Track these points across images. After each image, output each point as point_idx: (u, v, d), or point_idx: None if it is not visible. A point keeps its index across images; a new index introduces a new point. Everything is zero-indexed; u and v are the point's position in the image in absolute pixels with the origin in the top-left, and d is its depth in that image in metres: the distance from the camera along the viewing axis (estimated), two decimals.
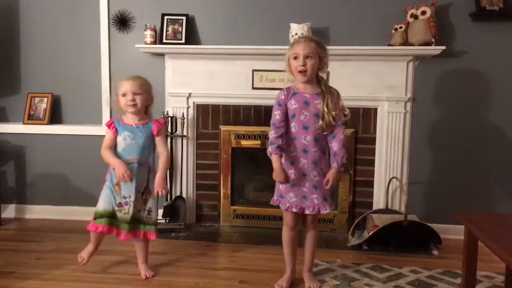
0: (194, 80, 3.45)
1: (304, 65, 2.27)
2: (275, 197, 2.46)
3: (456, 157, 3.35)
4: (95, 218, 2.50)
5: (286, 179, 2.30)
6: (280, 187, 2.41)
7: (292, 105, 2.32)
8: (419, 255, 2.98)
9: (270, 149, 2.31)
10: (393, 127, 3.33)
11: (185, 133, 3.47)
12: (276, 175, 2.30)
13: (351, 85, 3.29)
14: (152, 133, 2.53)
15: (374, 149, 3.39)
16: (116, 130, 2.51)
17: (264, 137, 3.43)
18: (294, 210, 2.37)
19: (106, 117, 3.53)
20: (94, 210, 2.52)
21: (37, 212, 3.70)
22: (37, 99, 3.64)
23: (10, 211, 3.71)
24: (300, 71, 2.29)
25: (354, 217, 3.39)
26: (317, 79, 2.37)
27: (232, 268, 2.75)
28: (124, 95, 2.48)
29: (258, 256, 2.94)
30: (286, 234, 2.48)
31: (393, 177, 3.29)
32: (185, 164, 3.52)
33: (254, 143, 3.47)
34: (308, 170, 2.35)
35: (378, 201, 3.39)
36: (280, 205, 2.42)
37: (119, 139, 2.50)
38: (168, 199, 3.48)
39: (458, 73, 3.29)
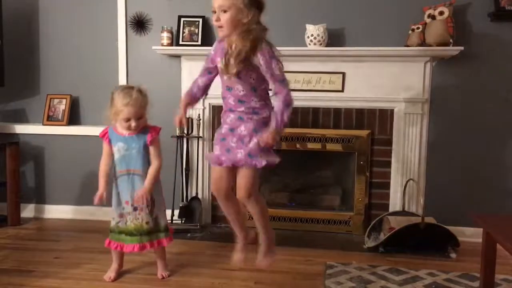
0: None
1: (218, 19, 2.07)
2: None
3: (474, 158, 3.31)
4: (110, 231, 2.52)
5: (184, 112, 2.34)
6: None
7: (218, 62, 2.21)
8: (436, 257, 2.95)
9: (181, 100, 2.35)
10: (410, 129, 3.30)
11: (201, 134, 3.49)
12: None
13: (367, 86, 3.28)
14: (146, 142, 2.46)
15: (390, 151, 3.36)
16: (110, 141, 2.46)
17: (280, 138, 3.42)
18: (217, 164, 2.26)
19: None
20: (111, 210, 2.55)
21: (55, 212, 3.75)
22: (56, 101, 3.69)
23: (29, 210, 3.78)
24: (217, 27, 2.10)
25: (370, 219, 3.37)
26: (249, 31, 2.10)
27: (247, 269, 2.74)
28: (127, 120, 2.38)
29: None
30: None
31: (410, 179, 3.26)
32: (200, 165, 3.54)
33: None
34: (236, 126, 2.23)
35: (395, 203, 3.37)
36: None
37: (114, 149, 2.46)
38: (184, 200, 3.51)
39: (476, 74, 3.25)
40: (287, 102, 2.15)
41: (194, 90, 2.37)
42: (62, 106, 3.68)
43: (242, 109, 2.22)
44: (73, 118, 3.70)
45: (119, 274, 2.59)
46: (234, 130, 2.23)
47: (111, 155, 2.48)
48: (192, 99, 2.37)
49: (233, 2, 2.02)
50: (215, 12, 2.09)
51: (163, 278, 2.57)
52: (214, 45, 2.27)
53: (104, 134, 2.48)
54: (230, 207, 2.34)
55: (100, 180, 2.46)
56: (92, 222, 3.53)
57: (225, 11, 2.03)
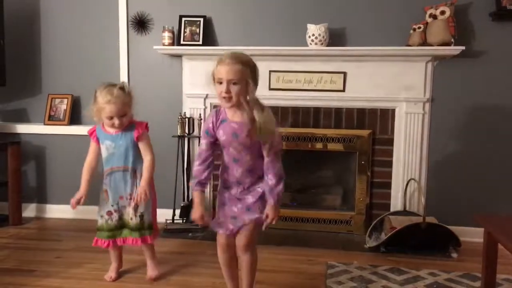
0: (211, 81, 3.45)
1: (228, 91, 2.00)
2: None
3: (475, 158, 3.31)
4: (97, 230, 2.52)
5: (202, 219, 2.11)
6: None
7: (221, 136, 2.10)
8: (438, 257, 2.95)
9: (191, 183, 2.18)
10: (411, 128, 3.30)
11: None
12: (193, 212, 2.13)
13: (368, 85, 3.28)
14: (134, 138, 2.43)
15: (391, 150, 3.36)
16: (98, 139, 2.46)
17: (282, 137, 3.43)
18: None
19: None
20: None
21: (57, 211, 3.76)
22: (57, 100, 3.70)
23: (31, 210, 3.79)
24: (224, 97, 2.02)
25: (371, 218, 3.37)
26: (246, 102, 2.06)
27: None
28: (110, 118, 2.36)
29: (273, 257, 2.93)
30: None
31: (411, 179, 3.26)
32: None
33: None
34: (242, 196, 2.15)
35: (396, 203, 3.37)
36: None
37: (102, 148, 2.45)
38: (185, 200, 3.51)
39: (478, 74, 3.25)
40: (281, 176, 2.09)
41: (202, 178, 2.15)
42: (63, 106, 3.68)
43: (248, 179, 2.14)
44: (74, 117, 3.70)
45: (120, 274, 2.60)
46: (241, 200, 2.16)
47: (98, 153, 2.49)
48: (204, 188, 2.20)
49: (244, 75, 2.02)
50: (221, 83, 2.02)
51: (152, 279, 2.53)
52: (211, 119, 2.13)
53: (92, 132, 2.49)
54: (233, 268, 2.28)
55: (83, 180, 2.47)
56: (93, 222, 3.48)
57: (235, 83, 2.01)
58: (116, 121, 2.36)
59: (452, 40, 3.10)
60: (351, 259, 2.90)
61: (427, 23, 3.16)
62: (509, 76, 3.23)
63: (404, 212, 3.24)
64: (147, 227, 2.52)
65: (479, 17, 3.21)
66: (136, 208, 2.47)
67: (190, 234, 3.33)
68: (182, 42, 3.45)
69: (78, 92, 3.70)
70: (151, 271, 2.57)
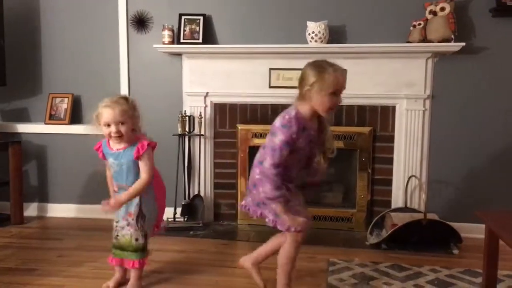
0: (211, 80, 3.47)
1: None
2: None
3: (476, 154, 3.31)
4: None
5: (304, 222, 2.12)
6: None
7: (299, 143, 2.07)
8: (439, 254, 2.95)
9: (273, 194, 2.04)
10: (412, 125, 3.30)
11: (202, 132, 3.49)
12: (294, 222, 2.09)
13: (369, 83, 3.28)
14: (133, 157, 2.31)
15: (392, 147, 3.36)
16: (104, 155, 2.39)
17: None
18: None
19: None
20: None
21: (58, 210, 3.76)
22: (58, 100, 3.70)
23: (32, 209, 3.79)
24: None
25: (372, 215, 3.37)
26: None
27: None
28: (107, 125, 2.26)
29: (275, 254, 2.92)
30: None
31: (412, 176, 3.26)
32: (202, 163, 3.54)
33: None
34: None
35: (397, 200, 3.37)
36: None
37: (108, 164, 2.40)
38: (186, 198, 3.51)
39: (478, 70, 3.25)
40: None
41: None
42: (64, 105, 3.68)
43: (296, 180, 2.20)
44: (75, 117, 3.71)
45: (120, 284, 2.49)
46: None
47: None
48: None
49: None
50: (335, 94, 2.05)
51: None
52: (293, 123, 2.04)
53: (98, 148, 2.42)
54: None
55: (110, 188, 2.46)
56: (95, 221, 3.54)
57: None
58: (113, 129, 2.24)
59: (452, 36, 3.10)
60: (353, 256, 2.90)
61: (427, 19, 3.16)
62: (510, 72, 3.22)
63: (405, 209, 3.24)
64: (139, 249, 2.39)
65: (479, 13, 3.20)
66: (142, 228, 2.36)
67: (191, 232, 3.33)
68: (182, 40, 3.45)
69: (79, 91, 3.71)
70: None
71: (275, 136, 2.04)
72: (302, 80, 2.12)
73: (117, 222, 2.40)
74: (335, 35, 3.31)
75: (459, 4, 3.17)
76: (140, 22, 3.55)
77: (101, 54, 3.64)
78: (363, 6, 3.31)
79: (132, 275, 2.42)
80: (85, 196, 3.72)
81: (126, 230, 2.37)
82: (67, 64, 3.70)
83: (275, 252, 2.35)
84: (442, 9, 3.11)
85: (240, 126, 3.51)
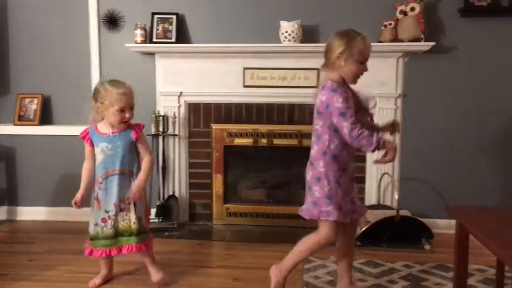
0: (185, 79, 3.44)
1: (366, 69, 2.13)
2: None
3: (447, 151, 3.38)
4: (90, 240, 2.39)
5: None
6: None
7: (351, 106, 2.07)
8: (412, 249, 3.00)
9: (372, 140, 1.94)
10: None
11: (176, 132, 3.47)
12: (391, 145, 2.00)
13: None
14: (132, 140, 2.37)
15: None
16: (92, 142, 2.37)
17: (256, 135, 3.44)
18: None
19: None
20: (88, 211, 2.44)
21: (29, 213, 3.68)
22: (27, 100, 3.61)
23: (1, 213, 3.69)
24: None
25: None
26: None
27: (226, 266, 2.76)
28: (122, 110, 2.30)
29: (251, 254, 2.94)
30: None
31: (385, 173, 3.30)
32: (177, 163, 3.52)
33: (246, 141, 3.48)
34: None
35: (370, 197, 3.41)
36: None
37: (97, 151, 2.35)
38: (161, 198, 3.48)
39: (448, 69, 3.32)
40: None
41: None
42: (33, 106, 3.60)
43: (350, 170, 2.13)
44: (45, 117, 3.63)
45: (96, 270, 2.50)
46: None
47: (94, 156, 2.38)
48: None
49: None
50: (362, 62, 2.08)
51: (160, 283, 2.44)
52: (336, 86, 2.07)
53: (85, 135, 2.38)
54: None
55: (82, 183, 2.40)
56: (66, 223, 3.47)
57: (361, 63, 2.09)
58: (127, 114, 2.32)
59: (422, 36, 3.15)
60: (328, 253, 2.92)
61: (397, 19, 3.21)
62: (477, 71, 3.30)
63: (379, 206, 3.29)
64: (145, 231, 2.43)
65: (448, 13, 3.27)
66: (135, 211, 2.36)
67: (166, 233, 3.30)
68: (154, 39, 3.41)
69: (49, 91, 3.63)
70: (155, 274, 2.45)
71: (331, 105, 2.00)
72: (329, 50, 2.13)
73: (107, 212, 2.35)
74: (308, 34, 3.33)
75: (428, 4, 3.23)
76: (111, 21, 3.50)
77: (72, 54, 3.57)
78: (335, 6, 3.34)
79: (146, 263, 2.45)
80: (56, 198, 3.64)
81: (123, 215, 2.37)
82: (37, 63, 3.61)
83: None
84: (412, 9, 3.17)
85: (214, 126, 3.50)
